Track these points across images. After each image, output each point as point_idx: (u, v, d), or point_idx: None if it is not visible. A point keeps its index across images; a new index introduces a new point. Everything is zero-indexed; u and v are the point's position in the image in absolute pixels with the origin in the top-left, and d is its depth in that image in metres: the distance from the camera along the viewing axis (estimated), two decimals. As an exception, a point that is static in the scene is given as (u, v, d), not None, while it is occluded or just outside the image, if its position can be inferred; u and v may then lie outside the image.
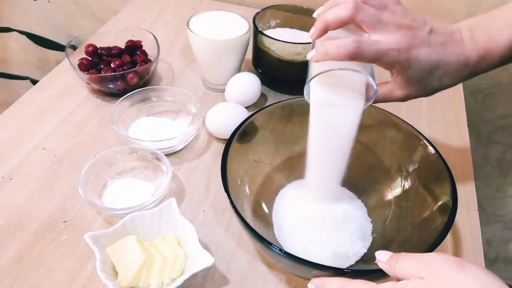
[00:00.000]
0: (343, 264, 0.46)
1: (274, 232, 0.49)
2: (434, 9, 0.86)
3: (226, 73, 0.69)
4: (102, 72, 0.67)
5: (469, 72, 0.44)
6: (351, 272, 0.39)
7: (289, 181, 0.55)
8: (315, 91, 0.43)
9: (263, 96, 0.71)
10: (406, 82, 0.43)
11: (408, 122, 0.52)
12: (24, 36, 1.13)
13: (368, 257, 0.47)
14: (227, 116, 0.60)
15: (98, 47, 0.70)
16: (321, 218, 0.49)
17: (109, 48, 0.71)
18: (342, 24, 0.40)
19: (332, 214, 0.50)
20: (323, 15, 0.41)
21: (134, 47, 0.71)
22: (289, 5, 0.75)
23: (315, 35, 0.42)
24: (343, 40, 0.38)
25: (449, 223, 0.41)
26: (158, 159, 0.55)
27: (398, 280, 0.34)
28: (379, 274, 0.41)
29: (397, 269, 0.34)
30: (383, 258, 0.36)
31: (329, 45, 0.39)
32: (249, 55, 0.73)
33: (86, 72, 0.67)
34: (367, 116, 0.56)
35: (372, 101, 0.43)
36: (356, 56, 0.39)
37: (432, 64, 0.42)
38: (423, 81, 0.43)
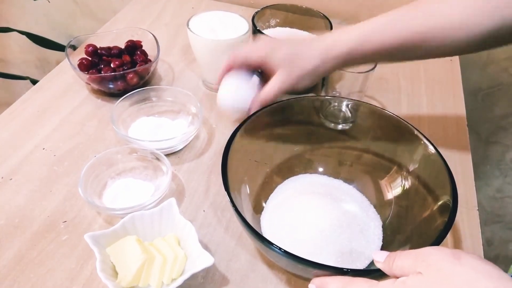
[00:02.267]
0: (347, 263, 0.46)
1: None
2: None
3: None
4: (102, 72, 0.67)
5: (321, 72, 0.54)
6: (351, 272, 0.39)
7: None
8: None
9: (263, 96, 0.71)
10: None
11: (408, 122, 0.52)
12: (24, 36, 1.13)
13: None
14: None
15: (98, 47, 0.70)
16: (324, 217, 0.49)
17: (109, 48, 0.71)
18: None
19: (336, 213, 0.50)
20: None
21: (134, 47, 0.71)
22: (289, 4, 0.75)
23: None
24: None
25: (449, 223, 0.41)
26: (158, 159, 0.55)
27: (397, 278, 0.34)
28: (379, 274, 0.41)
29: (394, 267, 0.34)
30: (380, 258, 0.36)
31: None
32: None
33: (86, 72, 0.67)
34: (368, 116, 0.56)
35: None
36: None
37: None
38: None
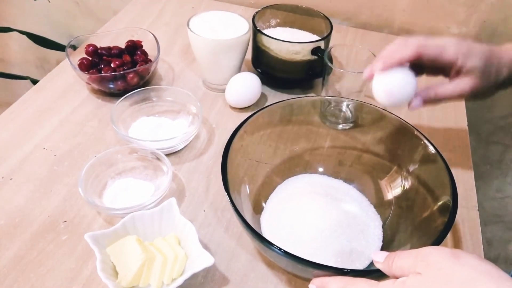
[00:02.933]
0: (346, 263, 0.46)
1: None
2: (434, 10, 0.86)
3: (226, 73, 0.69)
4: (102, 72, 0.67)
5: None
6: (351, 272, 0.39)
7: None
8: None
9: (263, 96, 0.71)
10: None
11: (408, 122, 0.52)
12: (24, 36, 1.13)
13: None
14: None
15: (98, 47, 0.70)
16: (324, 218, 0.49)
17: (109, 48, 0.71)
18: None
19: (336, 213, 0.50)
20: None
21: (134, 47, 0.71)
22: (289, 4, 0.75)
23: None
24: None
25: (449, 223, 0.41)
26: (158, 159, 0.55)
27: (397, 278, 0.34)
28: (379, 274, 0.41)
29: (394, 268, 0.34)
30: (379, 258, 0.36)
31: None
32: (249, 55, 0.73)
33: (86, 72, 0.67)
34: (368, 116, 0.56)
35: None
36: None
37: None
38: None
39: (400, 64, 0.48)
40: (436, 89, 0.50)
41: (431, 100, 0.50)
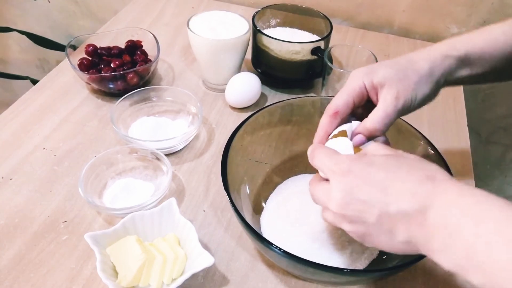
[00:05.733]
0: (346, 263, 0.46)
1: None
2: (434, 10, 0.86)
3: (226, 73, 0.69)
4: (102, 72, 0.67)
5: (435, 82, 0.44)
6: (351, 272, 0.39)
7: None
8: None
9: (263, 96, 0.71)
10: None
11: (408, 122, 0.52)
12: (24, 36, 1.13)
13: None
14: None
15: (98, 47, 0.70)
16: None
17: (109, 48, 0.71)
18: None
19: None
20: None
21: (134, 47, 0.71)
22: (289, 4, 0.75)
23: None
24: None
25: (449, 223, 0.41)
26: (158, 159, 0.55)
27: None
28: (379, 274, 0.41)
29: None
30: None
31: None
32: (249, 55, 0.73)
33: (86, 72, 0.67)
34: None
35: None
36: None
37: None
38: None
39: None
40: (365, 125, 0.42)
41: (372, 136, 0.43)
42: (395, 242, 0.32)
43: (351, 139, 0.42)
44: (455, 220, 0.28)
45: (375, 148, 0.37)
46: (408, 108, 0.43)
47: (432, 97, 0.45)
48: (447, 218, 0.29)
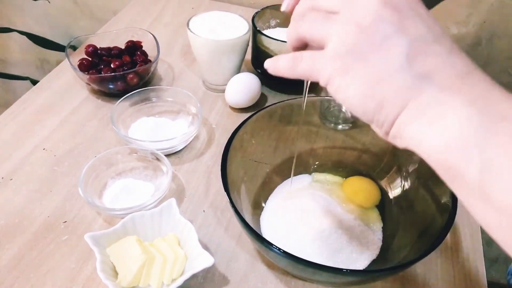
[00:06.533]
0: (346, 264, 0.46)
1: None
2: (434, 10, 0.86)
3: (226, 73, 0.69)
4: (102, 73, 0.67)
5: None
6: (351, 272, 0.39)
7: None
8: None
9: (263, 96, 0.71)
10: None
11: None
12: (24, 36, 1.13)
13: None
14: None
15: (98, 47, 0.70)
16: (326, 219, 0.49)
17: (109, 49, 0.71)
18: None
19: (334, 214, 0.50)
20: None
21: (134, 48, 0.71)
22: (289, 5, 0.75)
23: None
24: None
25: (449, 223, 0.41)
26: (158, 159, 0.55)
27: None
28: (379, 275, 0.41)
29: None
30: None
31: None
32: (249, 55, 0.73)
33: (86, 73, 0.67)
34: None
35: None
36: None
37: None
38: None
39: None
40: None
41: None
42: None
43: None
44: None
45: None
46: None
47: None
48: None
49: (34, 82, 1.17)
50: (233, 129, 0.50)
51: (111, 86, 0.67)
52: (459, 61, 0.27)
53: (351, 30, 0.27)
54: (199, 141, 0.63)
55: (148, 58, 0.71)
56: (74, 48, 0.71)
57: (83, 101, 0.68)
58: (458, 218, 0.54)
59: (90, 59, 0.69)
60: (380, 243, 0.49)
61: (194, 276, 0.43)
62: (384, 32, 0.26)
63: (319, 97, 0.58)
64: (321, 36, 0.29)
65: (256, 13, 0.72)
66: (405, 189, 0.51)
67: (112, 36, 0.74)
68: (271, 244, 0.39)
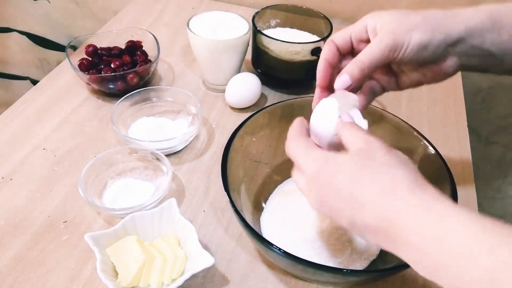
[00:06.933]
0: (346, 264, 0.46)
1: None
2: (437, 8, 0.86)
3: (226, 73, 0.69)
4: (102, 73, 0.67)
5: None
6: (351, 273, 0.39)
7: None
8: None
9: (263, 96, 0.71)
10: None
11: (408, 122, 0.52)
12: (24, 36, 1.13)
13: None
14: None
15: (98, 47, 0.70)
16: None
17: (109, 49, 0.71)
18: None
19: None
20: None
21: (134, 47, 0.71)
22: (289, 5, 0.75)
23: None
24: None
25: (449, 223, 0.41)
26: (158, 159, 0.55)
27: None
28: (378, 274, 0.41)
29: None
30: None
31: None
32: (249, 55, 0.73)
33: (86, 73, 0.67)
34: (367, 116, 0.56)
35: None
36: None
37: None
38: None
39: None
40: (359, 56, 0.40)
41: (360, 72, 0.39)
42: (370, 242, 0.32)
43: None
44: (416, 239, 0.28)
45: (352, 139, 0.35)
46: (398, 51, 0.39)
47: (435, 59, 0.40)
48: (407, 235, 0.28)
49: (34, 82, 1.17)
50: (233, 129, 0.50)
51: (111, 86, 0.67)
52: None
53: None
54: (199, 141, 0.63)
55: (148, 58, 0.71)
56: (74, 48, 0.71)
57: (83, 101, 0.68)
58: (458, 218, 0.54)
59: (90, 59, 0.69)
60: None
61: (194, 276, 0.42)
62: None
63: (319, 97, 0.58)
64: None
65: (256, 13, 0.72)
66: (405, 189, 0.51)
67: (112, 36, 0.74)
68: (271, 244, 0.39)
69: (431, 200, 0.29)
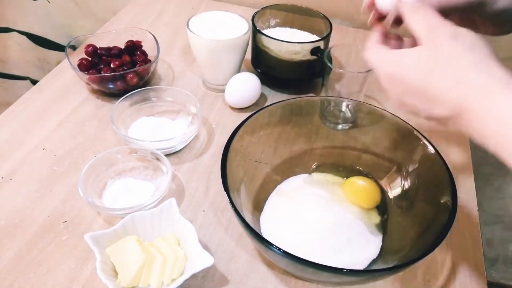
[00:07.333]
0: (346, 263, 0.46)
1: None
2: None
3: (226, 73, 0.69)
4: (102, 72, 0.67)
5: None
6: (351, 272, 0.39)
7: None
8: None
9: (263, 96, 0.71)
10: None
11: (407, 122, 0.52)
12: (24, 36, 1.13)
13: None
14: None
15: (98, 47, 0.70)
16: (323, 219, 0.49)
17: (109, 48, 0.71)
18: None
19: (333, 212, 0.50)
20: None
21: (134, 47, 0.71)
22: (289, 4, 0.75)
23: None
24: None
25: (449, 223, 0.41)
26: (158, 159, 0.55)
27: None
28: (378, 274, 0.41)
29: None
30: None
31: None
32: (249, 55, 0.73)
33: (86, 72, 0.67)
34: (367, 117, 0.56)
35: None
36: None
37: None
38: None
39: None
40: None
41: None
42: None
43: None
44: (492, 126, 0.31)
45: (416, 26, 0.37)
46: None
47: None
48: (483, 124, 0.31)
49: (34, 82, 1.17)
50: (233, 129, 0.50)
51: (111, 86, 0.67)
52: None
53: None
54: (199, 141, 0.63)
55: (148, 58, 0.71)
56: (74, 48, 0.71)
57: (83, 101, 0.68)
58: (458, 218, 0.54)
59: (90, 59, 0.69)
60: (380, 243, 0.49)
61: (194, 276, 0.43)
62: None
63: (319, 97, 0.58)
64: None
65: (256, 12, 0.72)
66: (405, 189, 0.51)
67: (112, 36, 0.74)
68: (271, 244, 0.39)
69: (498, 83, 0.32)
